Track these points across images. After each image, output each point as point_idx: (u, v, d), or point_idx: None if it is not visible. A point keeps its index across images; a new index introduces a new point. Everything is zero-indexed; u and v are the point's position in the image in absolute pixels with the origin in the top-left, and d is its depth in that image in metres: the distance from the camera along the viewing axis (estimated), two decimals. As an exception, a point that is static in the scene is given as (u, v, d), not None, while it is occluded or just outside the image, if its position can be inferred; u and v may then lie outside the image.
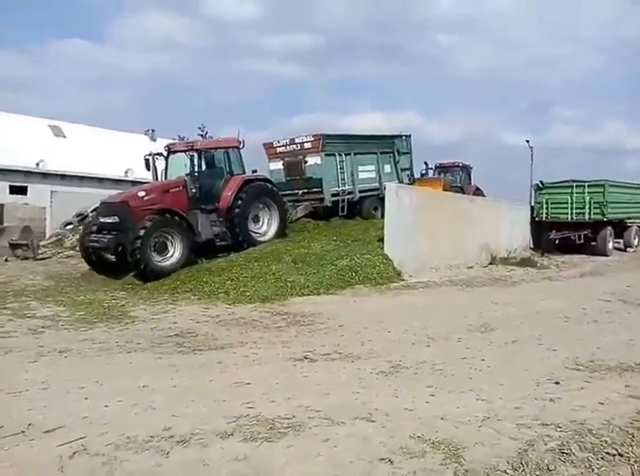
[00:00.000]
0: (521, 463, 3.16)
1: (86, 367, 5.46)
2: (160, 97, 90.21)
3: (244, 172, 13.84)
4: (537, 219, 19.31)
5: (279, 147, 17.67)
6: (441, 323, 7.71)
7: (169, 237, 11.91)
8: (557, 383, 4.78)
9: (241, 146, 13.91)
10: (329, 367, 5.45)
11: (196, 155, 13.36)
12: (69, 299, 9.34)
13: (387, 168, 18.57)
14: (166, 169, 13.77)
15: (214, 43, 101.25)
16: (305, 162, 16.74)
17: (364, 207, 17.79)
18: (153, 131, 33.34)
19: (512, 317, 8.30)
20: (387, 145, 18.78)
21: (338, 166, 16.96)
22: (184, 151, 13.59)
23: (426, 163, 24.31)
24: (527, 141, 36.49)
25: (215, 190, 13.21)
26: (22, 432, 3.63)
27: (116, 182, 27.91)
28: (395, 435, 3.58)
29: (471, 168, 25.21)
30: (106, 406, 4.19)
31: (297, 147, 17.07)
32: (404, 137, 19.55)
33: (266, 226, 13.95)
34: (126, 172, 29.18)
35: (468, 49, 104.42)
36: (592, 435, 3.53)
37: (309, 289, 10.24)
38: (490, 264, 14.51)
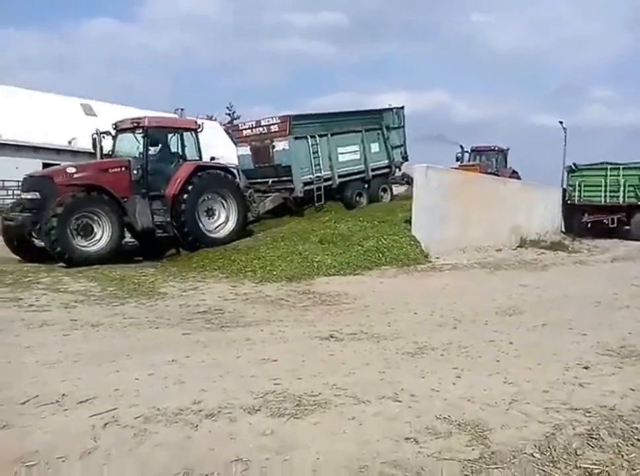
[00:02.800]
0: (549, 447, 3.13)
1: (117, 341, 5.58)
2: (189, 76, 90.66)
3: (200, 159, 12.67)
4: (569, 202, 18.96)
5: (245, 129, 15.99)
6: (469, 305, 7.65)
7: (96, 219, 10.80)
8: (587, 368, 4.71)
9: (199, 129, 12.76)
10: (355, 347, 5.47)
11: (143, 134, 11.92)
12: (101, 274, 9.52)
13: (375, 147, 16.82)
14: (113, 149, 12.62)
15: (242, 22, 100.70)
16: (273, 147, 15.00)
17: (346, 194, 16.05)
18: (182, 109, 33.44)
19: (542, 300, 8.19)
20: (373, 121, 16.88)
21: (311, 151, 15.11)
22: (132, 130, 12.21)
23: (461, 146, 24.14)
24: (561, 123, 35.34)
25: (163, 175, 11.96)
26: (57, 401, 3.73)
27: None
28: (421, 415, 3.58)
29: (508, 151, 24.79)
30: (136, 379, 4.28)
31: (263, 130, 15.29)
32: (394, 110, 17.68)
33: (222, 221, 12.56)
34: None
35: (499, 28, 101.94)
36: (622, 421, 3.47)
37: (335, 269, 10.27)
38: (520, 247, 14.31)
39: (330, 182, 15.69)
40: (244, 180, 15.60)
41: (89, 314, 6.77)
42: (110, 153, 12.61)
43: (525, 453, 3.07)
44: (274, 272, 9.86)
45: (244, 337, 5.78)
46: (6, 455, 2.97)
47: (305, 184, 15.07)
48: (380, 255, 11.12)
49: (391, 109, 17.63)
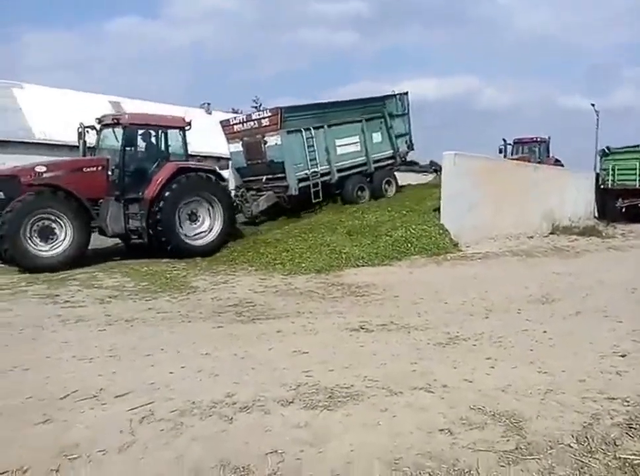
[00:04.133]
0: (586, 437, 3.08)
1: (151, 335, 5.66)
2: (214, 70, 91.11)
3: (187, 159, 11.87)
4: (602, 186, 18.51)
5: (236, 124, 15.06)
6: (500, 294, 7.56)
7: (59, 222, 9.99)
8: (623, 356, 4.62)
9: (188, 127, 11.81)
10: (385, 338, 5.45)
11: (122, 131, 11.04)
12: (133, 270, 9.68)
13: (377, 136, 15.80)
14: (97, 145, 11.84)
15: (263, 13, 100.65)
16: (265, 142, 14.09)
17: (347, 190, 15.08)
18: (208, 104, 33.58)
19: (575, 287, 8.04)
20: (374, 110, 15.83)
21: (306, 144, 14.11)
22: (113, 126, 11.32)
23: (504, 140, 24.33)
24: (593, 105, 34.61)
25: (143, 177, 11.15)
26: (95, 396, 3.82)
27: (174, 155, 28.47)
28: (455, 406, 3.56)
29: (549, 140, 24.94)
30: (171, 372, 4.35)
31: (254, 124, 14.37)
32: (397, 97, 16.52)
33: (206, 226, 11.68)
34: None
35: (527, 10, 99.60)
36: (662, 410, 3.40)
37: (363, 260, 10.23)
38: (552, 233, 14.06)
39: (328, 177, 14.74)
40: (237, 179, 15.24)
41: (123, 309, 6.90)
42: (96, 148, 11.91)
43: (562, 443, 3.03)
44: (303, 264, 9.88)
45: (275, 329, 5.81)
46: (48, 448, 3.06)
47: (300, 180, 14.11)
48: (409, 245, 11.04)
49: (394, 95, 16.53)
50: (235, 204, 12.96)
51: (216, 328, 5.96)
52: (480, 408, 3.50)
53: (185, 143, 11.89)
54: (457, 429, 3.22)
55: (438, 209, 12.29)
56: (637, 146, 18.44)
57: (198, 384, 4.10)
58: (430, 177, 21.46)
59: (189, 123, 11.81)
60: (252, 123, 14.47)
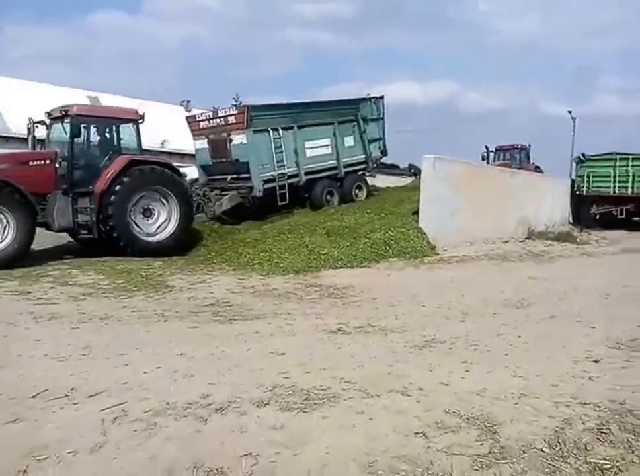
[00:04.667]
0: (559, 442, 3.12)
1: (126, 334, 5.59)
2: (197, 68, 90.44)
3: (141, 153, 11.41)
4: (577, 193, 18.84)
5: (202, 121, 14.63)
6: (477, 298, 7.63)
7: (0, 216, 9.61)
8: (596, 361, 4.68)
9: (140, 120, 11.30)
10: (363, 340, 5.46)
11: (71, 123, 10.59)
12: (109, 267, 9.55)
13: (349, 140, 15.55)
14: (47, 139, 11.45)
15: (248, 12, 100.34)
16: (230, 141, 13.72)
17: (315, 193, 14.77)
18: (188, 102, 33.27)
19: (550, 292, 8.15)
20: (347, 113, 15.55)
21: (273, 145, 13.81)
22: (61, 119, 10.98)
23: (486, 147, 25.35)
24: (570, 112, 35.27)
25: (93, 170, 10.78)
26: (67, 395, 3.75)
27: (153, 153, 28.19)
28: (430, 409, 3.58)
29: (530, 148, 26.27)
30: (145, 372, 4.30)
31: (221, 121, 14.01)
32: (372, 101, 16.22)
33: (162, 222, 11.29)
34: (162, 143, 29.39)
35: (509, 16, 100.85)
36: (633, 416, 3.45)
37: (342, 262, 10.25)
38: (528, 238, 14.24)
39: (296, 180, 14.44)
40: (202, 177, 14.98)
41: (97, 307, 6.79)
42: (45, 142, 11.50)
43: (535, 447, 3.06)
44: (281, 265, 9.86)
45: (252, 330, 5.78)
46: (17, 448, 2.99)
47: (266, 181, 13.79)
48: (387, 247, 11.08)
49: (369, 99, 16.22)
50: (193, 200, 12.58)
51: (192, 328, 5.91)
52: (455, 412, 3.52)
53: (139, 137, 11.41)
54: (433, 432, 3.24)
55: (416, 212, 12.36)
56: (612, 153, 18.81)
57: (173, 384, 4.05)
58: (408, 180, 21.63)
59: (142, 116, 11.32)
60: (218, 120, 14.07)
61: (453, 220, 12.31)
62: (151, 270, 9.41)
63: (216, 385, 4.00)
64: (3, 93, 25.17)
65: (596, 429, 3.28)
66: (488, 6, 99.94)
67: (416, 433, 3.23)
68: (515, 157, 25.37)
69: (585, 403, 3.67)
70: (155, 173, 11.11)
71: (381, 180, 19.91)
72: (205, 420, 3.40)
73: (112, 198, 10.52)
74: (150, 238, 11.11)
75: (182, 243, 11.59)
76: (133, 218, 10.92)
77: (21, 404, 3.58)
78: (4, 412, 3.45)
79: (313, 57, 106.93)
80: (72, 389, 3.85)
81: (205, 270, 9.66)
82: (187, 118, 15.31)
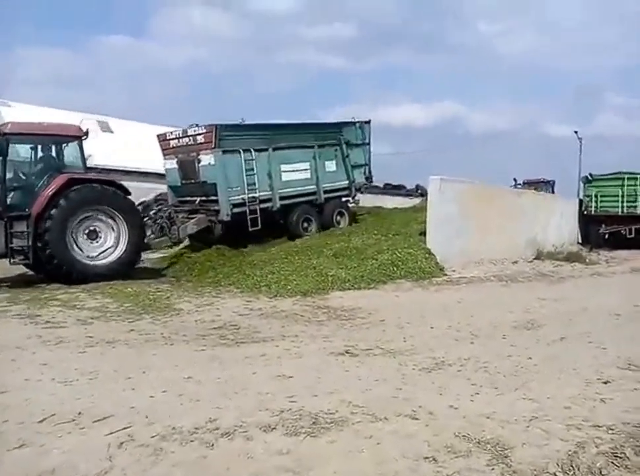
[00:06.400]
0: (572, 466, 3.06)
1: (133, 357, 5.58)
2: (203, 91, 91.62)
3: (85, 172, 10.72)
4: (585, 213, 18.79)
5: (172, 139, 13.64)
6: (486, 319, 7.56)
7: None
8: (608, 382, 4.62)
9: (84, 137, 10.63)
10: (371, 363, 5.42)
11: (5, 142, 9.93)
12: (116, 290, 9.56)
13: (331, 165, 14.67)
14: None
15: (254, 35, 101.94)
16: (199, 161, 12.84)
17: (291, 219, 13.86)
18: (197, 125, 33.73)
19: (560, 313, 8.06)
20: (329, 136, 14.78)
21: (245, 167, 12.89)
22: None
23: (515, 180, 27.51)
24: (576, 132, 35.48)
25: (30, 192, 10.14)
26: (73, 420, 3.73)
27: (161, 176, 28.41)
28: (440, 433, 3.52)
29: (554, 182, 28.34)
30: (152, 396, 4.28)
31: (190, 141, 13.07)
32: (357, 125, 15.37)
33: (109, 244, 10.60)
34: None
35: (510, 37, 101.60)
36: (647, 438, 3.39)
37: (350, 283, 10.20)
38: (536, 258, 14.15)
39: (269, 204, 13.45)
40: (172, 198, 14.33)
41: (105, 330, 6.79)
42: None
43: (548, 472, 3.00)
44: (289, 287, 9.83)
45: (259, 353, 5.75)
46: (23, 474, 2.97)
47: (236, 205, 12.85)
48: (395, 268, 11.04)
49: (354, 123, 15.41)
50: (147, 221, 12.10)
51: (199, 351, 5.89)
52: (465, 436, 3.46)
53: (82, 154, 10.74)
54: (442, 457, 3.19)
55: (424, 233, 12.33)
56: (619, 173, 18.78)
57: (179, 408, 4.02)
58: (416, 200, 21.65)
59: (86, 133, 10.69)
60: (187, 139, 13.17)
61: (460, 241, 12.27)
62: (158, 293, 9.41)
63: (223, 409, 3.97)
64: (14, 119, 25.59)
65: (610, 453, 3.21)
66: (489, 27, 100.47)
67: (426, 457, 3.18)
68: (541, 189, 26.24)
69: (598, 426, 3.61)
70: (95, 192, 10.40)
71: (387, 201, 19.95)
72: (212, 445, 3.36)
73: (48, 223, 9.89)
74: (99, 262, 10.46)
75: (135, 267, 11.06)
76: (75, 241, 10.27)
77: (28, 429, 3.57)
78: (12, 437, 3.43)
79: (317, 80, 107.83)
80: (79, 414, 3.84)
81: (213, 293, 9.65)
82: (158, 136, 14.31)
